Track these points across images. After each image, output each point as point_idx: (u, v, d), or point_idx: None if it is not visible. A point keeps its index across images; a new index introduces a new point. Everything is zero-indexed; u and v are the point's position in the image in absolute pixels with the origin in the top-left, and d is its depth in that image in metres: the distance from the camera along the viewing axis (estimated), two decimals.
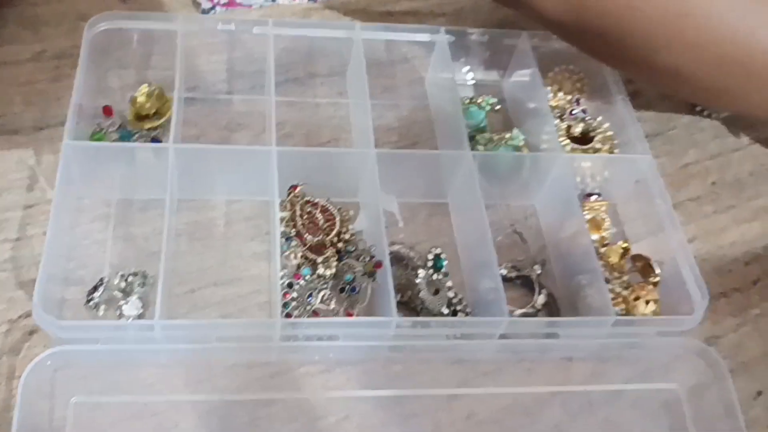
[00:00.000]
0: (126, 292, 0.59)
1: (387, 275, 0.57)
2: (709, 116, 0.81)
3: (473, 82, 0.79)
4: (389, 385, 0.59)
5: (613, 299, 0.63)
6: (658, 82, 0.73)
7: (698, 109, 0.82)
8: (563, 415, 0.60)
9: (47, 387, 0.54)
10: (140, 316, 0.59)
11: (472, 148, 0.68)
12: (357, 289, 0.60)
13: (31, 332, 0.57)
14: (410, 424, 0.58)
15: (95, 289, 0.59)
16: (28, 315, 0.57)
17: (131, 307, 0.59)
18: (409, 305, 0.62)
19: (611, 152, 0.71)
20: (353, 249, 0.62)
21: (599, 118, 0.73)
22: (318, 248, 0.61)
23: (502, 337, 0.59)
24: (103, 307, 0.59)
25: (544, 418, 0.60)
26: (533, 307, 0.64)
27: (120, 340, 0.54)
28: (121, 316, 0.58)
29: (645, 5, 0.60)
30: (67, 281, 0.60)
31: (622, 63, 0.70)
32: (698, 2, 0.59)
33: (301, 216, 0.62)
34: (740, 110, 0.76)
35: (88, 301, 0.58)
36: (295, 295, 0.60)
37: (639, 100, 0.81)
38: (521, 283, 0.66)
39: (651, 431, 0.60)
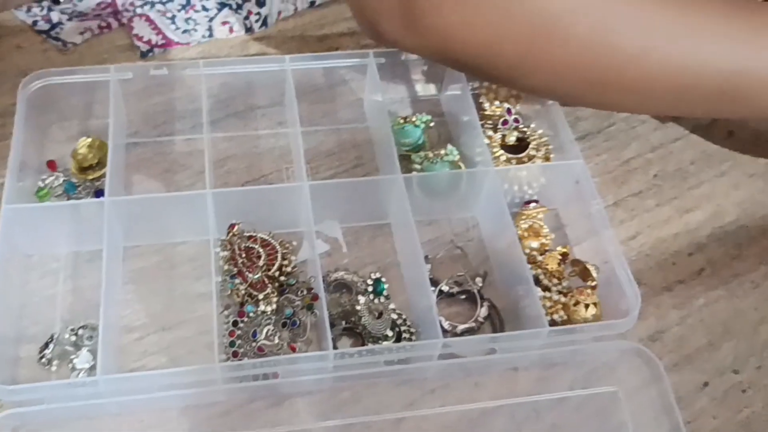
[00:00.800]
0: (77, 346, 0.61)
1: (323, 308, 0.59)
2: None
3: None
4: (337, 414, 0.60)
5: (552, 306, 0.64)
6: (535, 94, 0.73)
7: None
8: (510, 426, 0.61)
9: None
10: (92, 368, 0.60)
11: (407, 168, 0.70)
12: (297, 323, 0.61)
13: None
14: None
15: (46, 345, 0.61)
16: None
17: (82, 360, 0.60)
18: (355, 331, 0.64)
19: (547, 158, 0.72)
20: (294, 282, 0.64)
21: (532, 125, 0.74)
22: (260, 285, 0.63)
23: (444, 356, 0.61)
24: (55, 362, 0.61)
25: (491, 430, 0.61)
26: (476, 321, 0.65)
27: (68, 397, 0.56)
28: (73, 369, 0.60)
29: (510, 36, 0.57)
30: (20, 340, 0.62)
31: (496, 82, 0.72)
32: (562, 24, 0.56)
33: (240, 255, 0.63)
34: (613, 109, 0.75)
35: (41, 357, 0.60)
36: (240, 332, 0.62)
37: None
38: (465, 297, 0.67)
39: None
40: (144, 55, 0.81)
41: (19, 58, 0.80)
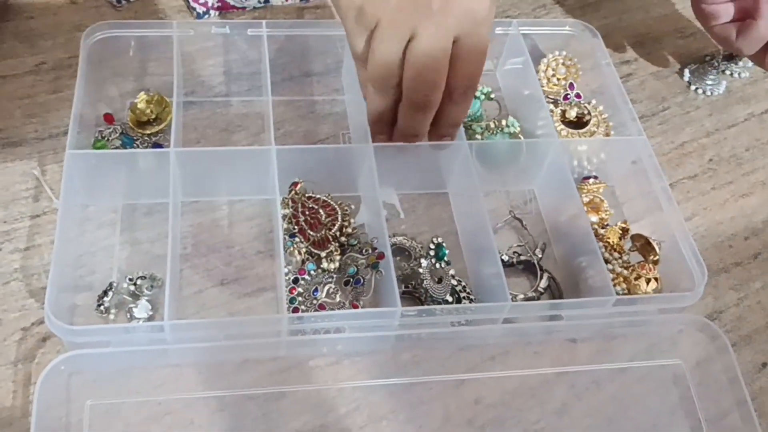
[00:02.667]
0: (135, 295, 0.61)
1: (390, 266, 0.58)
2: (704, 92, 0.82)
3: None
4: (397, 374, 0.60)
5: (614, 279, 0.63)
6: None
7: (694, 88, 0.83)
8: (570, 395, 0.61)
9: (62, 392, 0.55)
10: (150, 319, 0.60)
11: (469, 137, 0.69)
12: (361, 282, 0.61)
13: (45, 339, 0.58)
14: (419, 412, 0.59)
15: (105, 293, 0.60)
16: (40, 322, 0.58)
17: (141, 309, 0.60)
18: (414, 295, 0.63)
19: (607, 135, 0.72)
20: (356, 242, 0.63)
21: (593, 102, 0.73)
22: (321, 243, 0.62)
23: (507, 321, 0.60)
24: (113, 311, 0.60)
25: (551, 399, 0.60)
26: (536, 290, 0.64)
27: (131, 342, 0.55)
28: (131, 319, 0.59)
29: None
30: (77, 288, 0.61)
31: None
32: None
33: (303, 212, 0.63)
34: None
35: (99, 305, 0.60)
36: (300, 290, 0.61)
37: (632, 81, 0.82)
38: (523, 267, 0.67)
39: (657, 406, 0.61)
40: (200, 17, 0.80)
41: (73, 13, 0.79)
